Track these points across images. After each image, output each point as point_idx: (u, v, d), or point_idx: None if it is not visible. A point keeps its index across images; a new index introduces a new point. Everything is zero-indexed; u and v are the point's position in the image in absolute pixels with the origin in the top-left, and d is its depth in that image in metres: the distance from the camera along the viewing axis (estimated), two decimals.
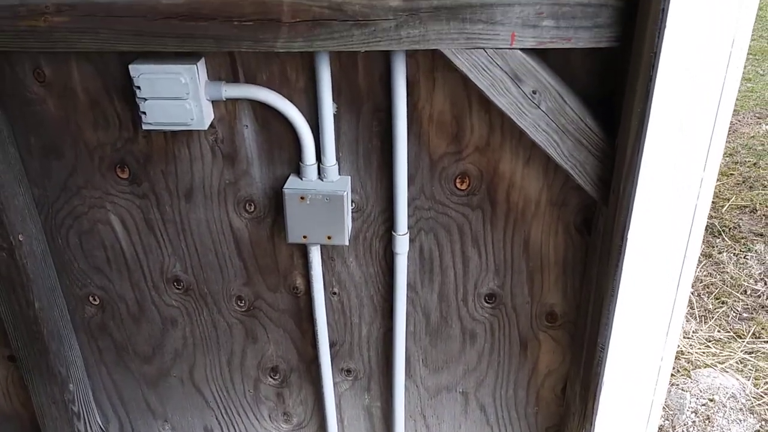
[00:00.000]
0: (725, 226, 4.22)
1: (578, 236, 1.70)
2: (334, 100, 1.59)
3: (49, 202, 1.81)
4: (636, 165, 1.35)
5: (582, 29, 1.35)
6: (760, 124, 5.48)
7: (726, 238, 4.12)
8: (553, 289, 1.79)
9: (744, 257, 3.96)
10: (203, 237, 1.82)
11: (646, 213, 1.40)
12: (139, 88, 1.52)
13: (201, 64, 1.55)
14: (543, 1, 1.33)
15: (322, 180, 1.67)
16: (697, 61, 1.24)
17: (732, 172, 4.77)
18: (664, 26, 1.21)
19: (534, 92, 1.43)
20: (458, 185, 1.67)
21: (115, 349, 2.07)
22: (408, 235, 1.73)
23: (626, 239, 1.45)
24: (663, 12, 1.21)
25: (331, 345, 1.96)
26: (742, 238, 4.13)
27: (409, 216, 1.71)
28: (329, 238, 1.68)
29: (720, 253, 4.01)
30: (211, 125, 1.64)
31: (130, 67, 1.51)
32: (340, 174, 1.69)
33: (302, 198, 1.64)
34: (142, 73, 1.51)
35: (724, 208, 4.38)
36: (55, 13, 1.43)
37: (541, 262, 1.75)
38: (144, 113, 1.54)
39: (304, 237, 1.69)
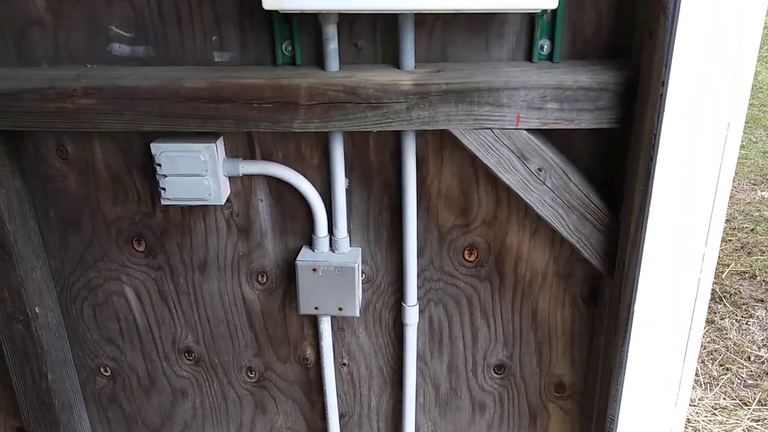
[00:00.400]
0: (726, 292, 4.24)
1: (585, 307, 1.74)
2: (346, 175, 1.66)
3: (65, 274, 1.85)
4: (640, 241, 1.40)
5: (584, 111, 1.42)
6: (755, 190, 5.57)
7: (727, 304, 4.14)
8: (561, 360, 1.81)
9: (746, 323, 3.97)
10: (216, 308, 1.85)
11: (651, 286, 1.44)
12: (159, 165, 1.58)
13: (220, 142, 1.61)
14: (547, 85, 1.41)
15: (333, 252, 1.72)
16: (695, 142, 1.31)
17: (730, 238, 4.82)
18: (663, 110, 1.28)
19: (540, 170, 1.49)
20: (467, 257, 1.72)
21: (125, 420, 2.06)
22: (417, 306, 1.76)
23: (633, 312, 1.48)
24: (661, 97, 1.28)
25: (341, 416, 1.96)
26: (743, 304, 4.15)
27: (418, 287, 1.75)
28: (340, 309, 1.71)
29: (722, 319, 4.02)
30: (227, 199, 1.70)
31: (151, 145, 1.58)
32: (351, 246, 1.74)
33: (314, 270, 1.68)
34: (163, 151, 1.57)
35: (724, 274, 4.41)
36: (83, 95, 1.50)
37: (549, 333, 1.78)
38: (163, 189, 1.60)
39: (316, 308, 1.72)
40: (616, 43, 1.48)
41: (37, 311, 1.77)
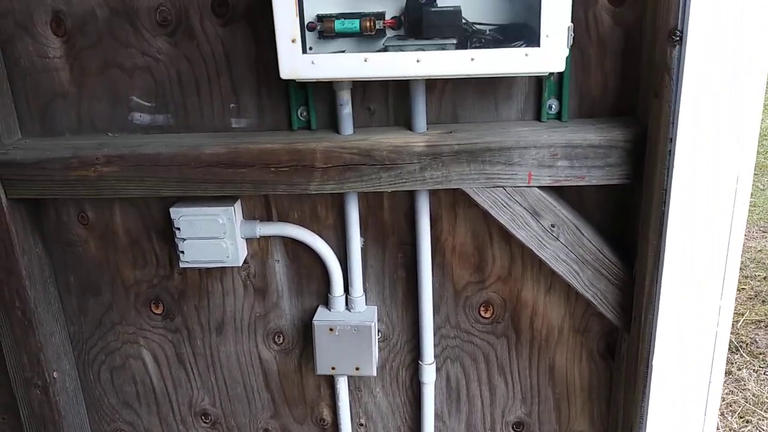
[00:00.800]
0: (742, 342, 4.19)
1: (602, 362, 1.73)
2: (361, 234, 1.68)
3: (83, 338, 1.86)
4: (655, 295, 1.41)
5: (595, 168, 1.45)
6: (765, 237, 5.57)
7: (744, 354, 4.09)
8: (580, 416, 1.79)
9: (764, 373, 3.91)
10: (232, 370, 1.85)
11: (668, 340, 1.44)
12: (178, 229, 1.61)
13: (237, 205, 1.65)
14: (557, 143, 1.45)
15: (349, 311, 1.73)
16: (705, 196, 1.33)
17: (743, 287, 4.79)
18: (672, 166, 1.31)
19: (552, 226, 1.51)
20: (482, 313, 1.72)
21: None
22: (434, 364, 1.76)
23: (651, 366, 1.48)
24: (670, 154, 1.31)
25: None
26: (761, 353, 4.09)
27: (435, 345, 1.75)
28: (357, 369, 1.71)
29: (740, 369, 3.96)
30: (245, 261, 1.72)
31: (171, 209, 1.62)
32: (367, 304, 1.75)
33: (331, 329, 1.69)
34: (182, 215, 1.61)
35: (739, 323, 4.37)
36: (105, 163, 1.55)
37: (567, 389, 1.77)
38: (182, 252, 1.63)
39: (333, 368, 1.72)
40: (622, 102, 1.52)
41: (55, 376, 1.77)
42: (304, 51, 1.36)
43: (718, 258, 1.37)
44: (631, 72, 1.50)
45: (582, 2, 1.44)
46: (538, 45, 1.29)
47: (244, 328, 1.80)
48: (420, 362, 1.76)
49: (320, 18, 1.40)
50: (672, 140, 1.30)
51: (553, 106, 1.54)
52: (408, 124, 1.56)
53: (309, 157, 1.50)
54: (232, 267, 1.73)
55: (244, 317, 1.79)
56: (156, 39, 1.56)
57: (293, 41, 1.33)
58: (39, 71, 1.61)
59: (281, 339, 1.81)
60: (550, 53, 1.29)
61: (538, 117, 1.55)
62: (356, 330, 1.68)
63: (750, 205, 6.24)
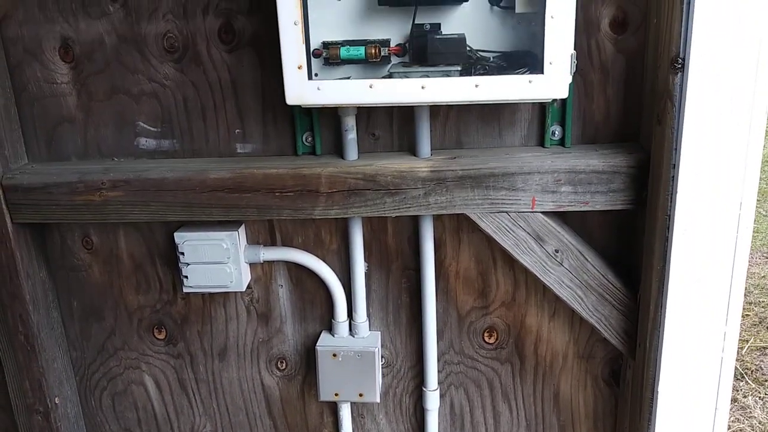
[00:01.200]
0: (747, 369, 4.16)
1: (607, 389, 1.72)
2: (365, 259, 1.68)
3: (85, 364, 1.85)
4: (660, 321, 1.40)
5: (598, 194, 1.46)
6: None
7: (749, 381, 4.05)
8: None
9: None
10: (235, 396, 1.84)
11: (673, 367, 1.44)
12: (182, 253, 1.61)
13: (242, 230, 1.65)
14: (560, 169, 1.45)
15: (353, 336, 1.72)
16: (709, 221, 1.33)
17: (747, 313, 4.77)
18: (676, 192, 1.32)
19: (556, 251, 1.51)
20: (486, 339, 1.72)
21: None
22: (438, 390, 1.75)
23: (656, 393, 1.47)
24: (673, 180, 1.32)
25: None
26: (766, 380, 4.06)
27: (438, 371, 1.74)
28: (361, 395, 1.70)
29: (745, 396, 3.93)
30: (248, 286, 1.72)
31: (175, 234, 1.62)
32: (370, 330, 1.74)
33: (334, 355, 1.68)
34: (186, 240, 1.61)
35: (744, 350, 4.34)
36: (111, 188, 1.56)
37: (572, 416, 1.75)
38: (186, 277, 1.63)
39: (336, 394, 1.71)
40: (625, 128, 1.53)
41: (56, 402, 1.76)
42: (310, 77, 1.37)
43: (722, 284, 1.37)
44: (633, 98, 1.51)
45: (585, 30, 1.46)
46: (542, 72, 1.30)
47: (246, 354, 1.79)
48: (424, 388, 1.74)
49: (326, 45, 1.42)
50: (675, 166, 1.31)
51: (557, 132, 1.55)
52: (412, 150, 1.57)
53: (314, 182, 1.51)
54: (236, 292, 1.73)
55: (246, 343, 1.78)
56: (163, 65, 1.58)
57: (299, 68, 1.35)
58: (46, 96, 1.63)
59: (284, 365, 1.80)
60: (553, 80, 1.30)
61: (541, 143, 1.56)
62: (360, 356, 1.67)
63: (753, 231, 6.23)
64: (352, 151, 1.56)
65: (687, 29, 1.25)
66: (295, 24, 1.32)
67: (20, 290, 1.65)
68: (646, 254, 1.45)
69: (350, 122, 1.54)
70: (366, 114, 1.57)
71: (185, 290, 1.64)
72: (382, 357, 1.76)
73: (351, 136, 1.55)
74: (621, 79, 1.51)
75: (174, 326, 1.79)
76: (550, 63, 1.30)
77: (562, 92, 1.32)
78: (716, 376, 1.46)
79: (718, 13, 1.22)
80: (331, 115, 1.56)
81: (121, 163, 1.64)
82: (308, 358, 1.78)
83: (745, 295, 5.09)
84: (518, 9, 1.36)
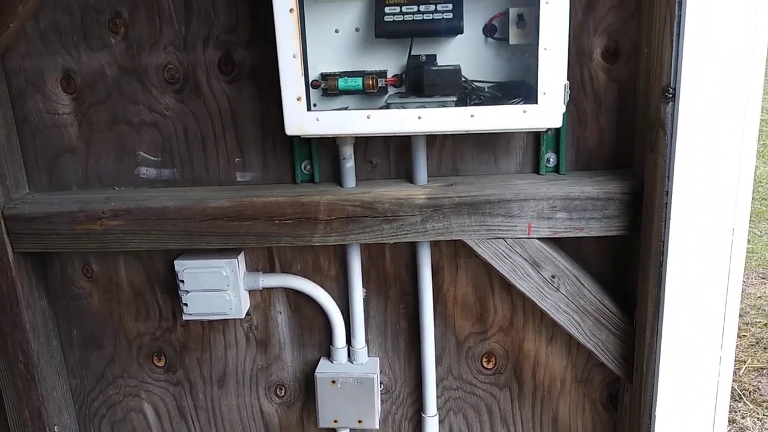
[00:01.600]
0: (745, 390, 4.16)
1: (605, 413, 1.73)
2: (363, 285, 1.70)
3: (85, 391, 1.85)
4: (656, 345, 1.42)
5: (593, 220, 1.48)
6: (765, 283, 5.57)
7: (747, 402, 4.05)
8: None
9: None
10: (234, 423, 1.84)
11: (670, 391, 1.45)
12: (182, 281, 1.62)
13: (241, 257, 1.67)
14: (555, 196, 1.48)
15: (352, 363, 1.73)
16: (702, 246, 1.35)
17: (744, 333, 4.77)
18: (669, 218, 1.34)
19: (553, 276, 1.53)
20: (485, 364, 1.72)
21: None
22: (437, 416, 1.75)
23: (654, 417, 1.48)
24: (666, 206, 1.34)
25: None
26: (764, 401, 4.05)
27: (437, 396, 1.75)
28: (360, 422, 1.70)
29: (743, 418, 3.92)
30: (247, 313, 1.73)
31: (175, 262, 1.63)
32: (369, 356, 1.75)
33: (333, 382, 1.68)
34: (186, 268, 1.62)
35: (742, 371, 4.34)
36: (111, 217, 1.57)
37: None
38: (186, 305, 1.64)
39: (335, 421, 1.71)
40: (618, 155, 1.56)
41: (56, 430, 1.76)
42: (309, 108, 1.40)
43: (717, 308, 1.39)
44: (626, 126, 1.54)
45: (578, 60, 1.50)
46: (536, 102, 1.33)
47: (245, 381, 1.80)
48: (423, 414, 1.75)
49: (324, 76, 1.45)
50: (668, 193, 1.33)
51: (551, 160, 1.57)
52: (409, 177, 1.60)
53: (313, 210, 1.53)
54: (235, 319, 1.74)
55: (246, 369, 1.79)
56: (164, 96, 1.61)
57: (298, 99, 1.37)
58: (48, 127, 1.65)
59: (283, 391, 1.81)
60: (547, 110, 1.33)
61: (536, 170, 1.59)
62: (359, 382, 1.68)
63: (748, 252, 6.24)
64: (350, 179, 1.58)
65: (677, 59, 1.28)
66: (294, 57, 1.35)
67: (20, 319, 1.66)
68: (641, 280, 1.47)
69: (348, 151, 1.56)
70: (364, 143, 1.60)
71: (185, 317, 1.65)
72: (381, 383, 1.77)
73: (349, 164, 1.57)
74: (614, 108, 1.54)
75: (173, 353, 1.80)
76: (544, 93, 1.32)
77: (556, 122, 1.35)
78: (713, 400, 1.47)
79: (707, 44, 1.25)
80: (330, 143, 1.59)
81: (122, 192, 1.66)
82: (307, 384, 1.79)
83: (741, 315, 5.10)
84: (512, 41, 1.39)
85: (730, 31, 1.24)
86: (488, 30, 1.43)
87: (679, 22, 1.27)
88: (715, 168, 1.31)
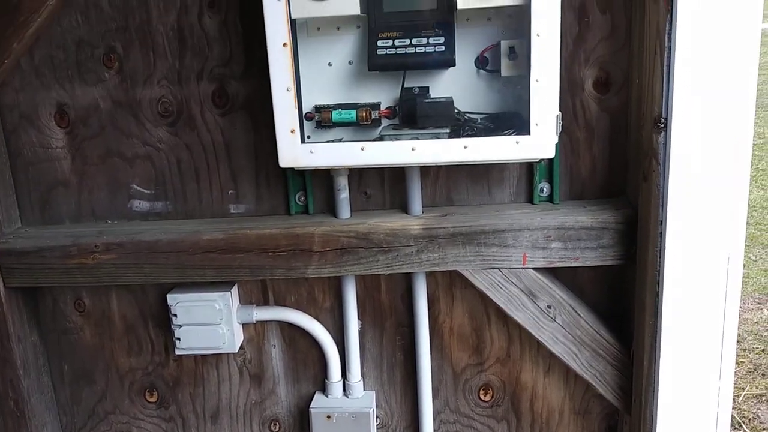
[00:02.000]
0: (744, 417, 4.12)
1: None
2: (358, 317, 1.68)
3: (75, 428, 1.82)
4: (654, 376, 1.40)
5: (588, 249, 1.48)
6: (761, 309, 5.56)
7: (747, 430, 4.01)
8: None
9: None
10: None
11: (669, 422, 1.43)
12: (175, 315, 1.61)
13: (234, 290, 1.65)
14: (550, 226, 1.47)
15: (347, 397, 1.71)
16: (697, 275, 1.35)
17: (742, 360, 4.74)
18: (664, 248, 1.34)
19: (549, 307, 1.52)
20: (482, 396, 1.70)
21: None
22: None
23: None
24: (661, 236, 1.34)
25: None
26: (764, 429, 4.01)
27: (434, 430, 1.72)
28: None
29: None
30: (241, 346, 1.71)
31: (168, 296, 1.62)
32: (364, 389, 1.73)
33: (329, 417, 1.66)
34: (179, 302, 1.61)
35: (740, 398, 4.31)
36: (104, 251, 1.56)
37: None
38: (178, 339, 1.62)
39: None
40: (611, 184, 1.56)
41: None
42: (303, 141, 1.40)
43: (714, 337, 1.38)
44: (618, 155, 1.54)
45: (569, 90, 1.51)
46: (529, 133, 1.33)
47: (239, 416, 1.77)
48: None
49: (318, 109, 1.45)
50: (662, 222, 1.33)
51: (545, 189, 1.57)
52: (404, 208, 1.59)
53: (307, 241, 1.52)
54: (228, 353, 1.72)
55: (239, 404, 1.76)
56: (157, 129, 1.61)
57: (292, 132, 1.38)
58: (41, 161, 1.65)
59: (277, 427, 1.78)
60: (540, 141, 1.34)
61: (530, 200, 1.59)
62: (354, 417, 1.66)
63: (744, 277, 6.25)
64: (344, 210, 1.58)
65: (668, 89, 1.29)
66: (287, 90, 1.35)
67: (11, 355, 1.63)
68: (637, 310, 1.46)
69: (343, 182, 1.56)
70: (358, 173, 1.60)
71: (177, 352, 1.63)
72: (377, 417, 1.74)
73: (343, 195, 1.57)
74: (606, 137, 1.54)
75: (166, 389, 1.77)
76: (537, 124, 1.33)
77: (549, 152, 1.35)
78: (712, 430, 1.45)
79: (697, 73, 1.26)
80: (324, 174, 1.59)
81: (115, 226, 1.65)
82: (302, 419, 1.76)
83: (738, 341, 5.07)
84: (504, 73, 1.40)
85: (720, 59, 1.25)
86: (480, 62, 1.44)
87: (669, 53, 1.28)
88: (709, 195, 1.31)
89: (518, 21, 1.38)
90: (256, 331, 1.71)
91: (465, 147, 1.36)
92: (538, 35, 1.29)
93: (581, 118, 1.53)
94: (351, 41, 1.45)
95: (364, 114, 1.43)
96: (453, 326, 1.67)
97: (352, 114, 1.43)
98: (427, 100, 1.40)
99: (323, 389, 1.72)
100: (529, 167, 1.57)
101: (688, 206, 1.32)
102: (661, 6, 1.27)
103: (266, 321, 1.69)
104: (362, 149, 1.38)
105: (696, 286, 1.35)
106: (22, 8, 1.48)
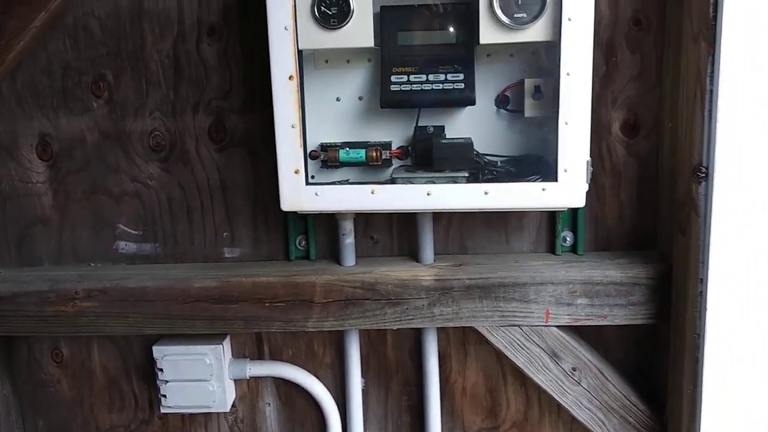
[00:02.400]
0: None
1: None
2: (362, 374, 1.54)
3: None
4: None
5: (617, 307, 1.35)
6: None
7: None
8: None
9: None
10: None
11: None
12: (161, 370, 1.47)
13: (226, 342, 1.51)
14: (575, 279, 1.35)
15: None
16: (744, 339, 1.22)
17: None
18: (705, 309, 1.21)
19: (574, 369, 1.39)
20: None
21: None
22: None
23: None
24: (701, 295, 1.21)
25: None
26: None
27: None
28: None
29: None
30: (232, 404, 1.56)
31: (153, 348, 1.48)
32: None
33: None
34: (166, 355, 1.47)
35: None
36: (85, 298, 1.43)
37: None
38: (164, 396, 1.47)
39: None
40: (640, 234, 1.45)
41: None
42: (307, 182, 1.27)
43: (761, 411, 1.24)
44: (647, 203, 1.43)
45: (595, 133, 1.38)
46: (556, 180, 1.21)
47: None
48: None
49: (324, 147, 1.33)
50: (703, 281, 1.21)
51: (568, 239, 1.45)
52: (414, 255, 1.47)
53: (308, 291, 1.39)
54: (219, 412, 1.57)
55: None
56: (148, 164, 1.49)
57: (296, 172, 1.25)
58: (20, 196, 1.53)
59: None
60: (568, 188, 1.22)
61: (551, 249, 1.46)
62: None
63: None
64: (349, 257, 1.45)
65: (709, 136, 1.18)
66: (292, 127, 1.23)
67: None
68: (672, 375, 1.33)
69: (348, 226, 1.43)
70: (364, 217, 1.47)
71: (163, 410, 1.49)
72: None
73: (349, 240, 1.44)
74: (634, 183, 1.43)
75: None
76: (565, 170, 1.21)
77: (579, 201, 1.23)
78: None
79: (743, 119, 1.15)
80: (328, 217, 1.46)
81: (98, 269, 1.52)
82: None
83: None
84: (527, 113, 1.28)
85: None
86: (501, 101, 1.33)
87: (711, 97, 1.17)
88: (755, 253, 1.19)
89: (542, 58, 1.28)
90: (249, 388, 1.57)
91: (486, 193, 1.24)
92: (568, 74, 1.18)
93: (608, 162, 1.42)
94: (361, 75, 1.34)
95: (374, 153, 1.31)
96: (466, 386, 1.53)
97: (361, 153, 1.31)
98: (444, 141, 1.28)
99: None
100: (551, 214, 1.45)
101: (732, 263, 1.19)
102: (702, 47, 1.17)
103: (261, 377, 1.55)
104: (372, 192, 1.26)
105: (742, 353, 1.22)
106: (3, 30, 1.36)
